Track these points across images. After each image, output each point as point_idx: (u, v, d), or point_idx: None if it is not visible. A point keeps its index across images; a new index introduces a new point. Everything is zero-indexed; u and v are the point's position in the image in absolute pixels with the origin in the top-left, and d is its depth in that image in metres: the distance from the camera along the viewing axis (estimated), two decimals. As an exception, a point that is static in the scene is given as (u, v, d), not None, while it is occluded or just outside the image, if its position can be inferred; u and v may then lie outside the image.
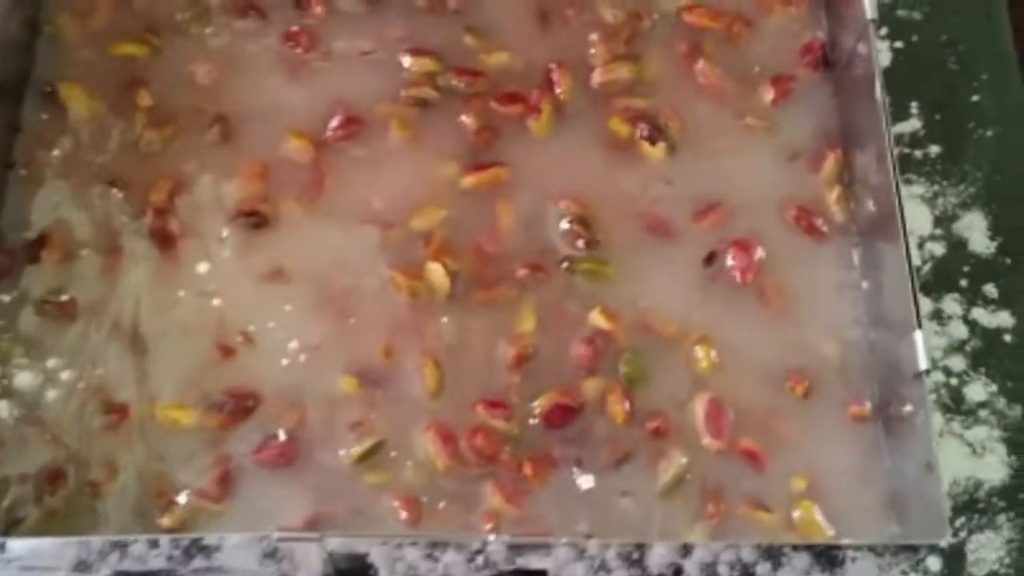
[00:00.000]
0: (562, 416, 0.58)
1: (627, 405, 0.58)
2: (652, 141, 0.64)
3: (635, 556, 0.52)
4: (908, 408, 0.55)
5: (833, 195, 0.64)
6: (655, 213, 0.63)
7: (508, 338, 0.60)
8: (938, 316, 0.63)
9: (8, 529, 0.55)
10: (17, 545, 0.50)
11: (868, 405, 0.59)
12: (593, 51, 0.67)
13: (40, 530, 0.55)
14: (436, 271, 0.60)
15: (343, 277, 0.61)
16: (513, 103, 0.65)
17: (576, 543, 0.51)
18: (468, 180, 0.63)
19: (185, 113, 0.65)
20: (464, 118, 0.65)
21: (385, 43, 0.67)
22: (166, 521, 0.55)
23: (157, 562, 0.52)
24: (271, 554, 0.51)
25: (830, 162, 0.64)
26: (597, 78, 0.66)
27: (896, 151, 0.58)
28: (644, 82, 0.66)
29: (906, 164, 0.66)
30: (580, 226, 0.62)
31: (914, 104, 0.68)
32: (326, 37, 0.67)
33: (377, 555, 0.51)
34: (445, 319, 0.60)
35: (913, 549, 0.51)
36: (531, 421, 0.58)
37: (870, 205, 0.61)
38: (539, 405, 0.58)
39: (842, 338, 0.60)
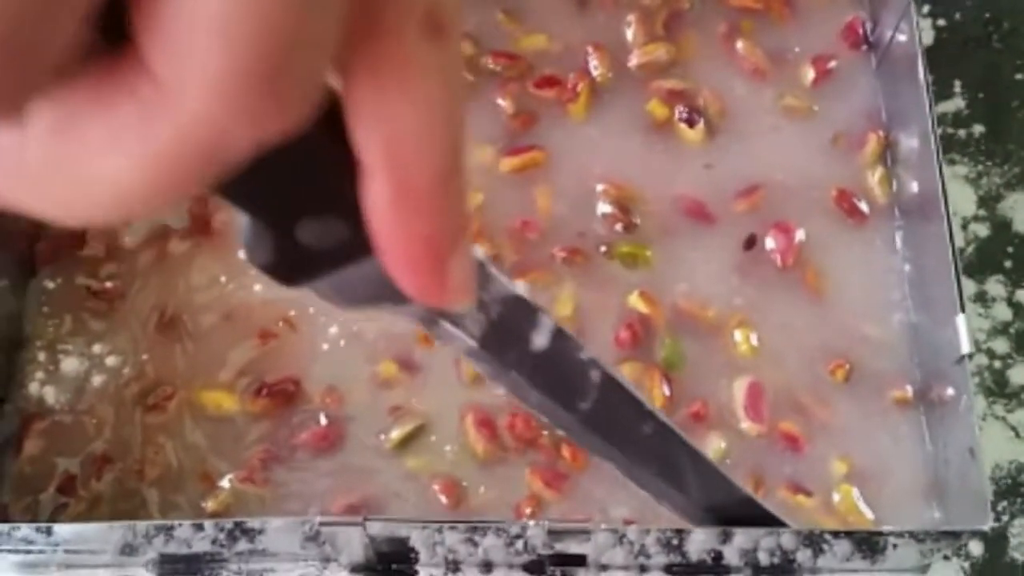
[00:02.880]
0: (601, 400, 0.58)
1: (666, 389, 0.58)
2: (691, 123, 0.64)
3: (675, 542, 0.52)
4: (950, 392, 0.54)
5: (875, 177, 0.63)
6: (694, 196, 0.63)
7: (547, 322, 0.60)
8: (982, 298, 0.62)
9: (54, 513, 0.56)
10: (64, 529, 0.51)
11: (910, 389, 0.58)
12: (631, 33, 0.67)
13: (86, 514, 0.56)
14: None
15: (382, 262, 0.61)
16: (550, 86, 0.65)
17: (615, 529, 0.51)
18: (505, 164, 0.63)
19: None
20: (501, 101, 0.65)
21: (422, 27, 0.67)
22: (210, 505, 0.56)
23: (202, 545, 0.53)
24: (313, 538, 0.52)
25: (872, 143, 0.63)
26: (635, 60, 0.66)
27: (939, 131, 0.57)
28: (682, 64, 0.66)
29: (949, 144, 0.66)
30: (618, 210, 0.62)
31: (957, 83, 0.67)
32: (363, 22, 0.67)
33: (418, 539, 0.52)
34: (483, 304, 0.60)
35: (955, 535, 0.51)
36: (570, 406, 0.58)
37: (913, 187, 0.61)
38: (578, 389, 0.58)
39: (884, 321, 0.60)
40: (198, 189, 0.20)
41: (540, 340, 0.38)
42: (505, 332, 0.37)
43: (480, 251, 0.35)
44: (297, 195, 0.25)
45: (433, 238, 0.25)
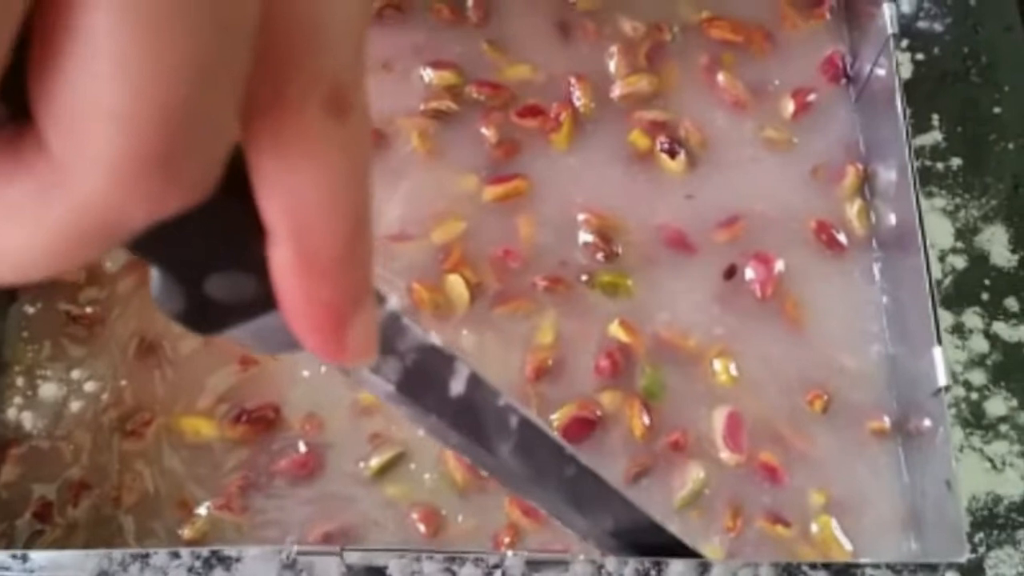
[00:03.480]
0: (580, 429, 0.58)
1: (646, 418, 0.58)
2: (672, 154, 0.64)
3: (652, 573, 0.52)
4: (927, 424, 0.55)
5: (854, 209, 0.64)
6: (675, 226, 0.63)
7: (527, 351, 0.60)
8: (959, 330, 0.63)
9: (30, 540, 0.55)
10: (39, 556, 0.51)
11: (887, 420, 0.58)
12: (613, 64, 0.67)
13: (62, 541, 0.55)
14: (456, 284, 0.61)
15: (363, 289, 0.61)
16: (533, 116, 0.66)
17: (594, 560, 0.51)
18: (488, 193, 0.64)
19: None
20: (484, 130, 0.65)
21: (405, 56, 0.67)
22: (187, 532, 0.56)
23: (178, 573, 0.52)
24: (290, 566, 0.51)
25: (850, 176, 0.64)
26: (617, 91, 0.66)
27: (917, 164, 0.58)
28: (664, 95, 0.67)
29: (927, 177, 0.66)
30: (600, 239, 0.62)
31: (935, 116, 0.68)
32: (347, 50, 0.68)
33: (395, 568, 0.52)
34: (465, 331, 0.60)
35: (932, 567, 0.51)
36: (550, 434, 0.58)
37: (891, 219, 0.61)
38: (558, 418, 0.58)
39: (862, 353, 0.60)
40: (97, 256, 0.21)
41: (457, 387, 0.39)
42: (422, 379, 0.38)
43: (394, 302, 0.36)
44: (203, 252, 0.26)
45: (334, 302, 0.26)
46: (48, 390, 0.59)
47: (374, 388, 0.37)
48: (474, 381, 0.40)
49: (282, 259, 0.25)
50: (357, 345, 0.28)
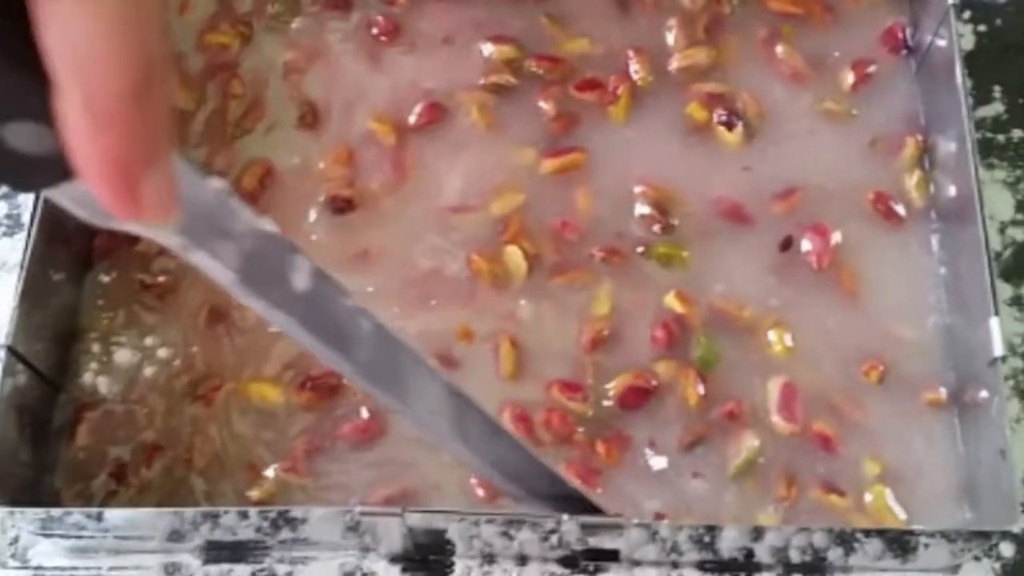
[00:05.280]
0: (636, 398, 0.59)
1: (700, 388, 0.59)
2: (730, 126, 0.65)
3: (706, 539, 0.53)
4: (983, 394, 0.55)
5: (912, 180, 0.63)
6: (732, 198, 0.64)
7: (584, 321, 0.61)
8: (1018, 302, 0.63)
9: (105, 500, 0.58)
10: (114, 515, 0.53)
11: (943, 391, 0.59)
12: (671, 37, 0.68)
13: (136, 501, 0.57)
14: (514, 255, 0.62)
15: (424, 260, 0.63)
16: (591, 89, 0.66)
17: (648, 524, 0.52)
18: (546, 165, 0.65)
19: (275, 101, 0.67)
20: (543, 104, 0.66)
21: (465, 31, 0.68)
22: (255, 494, 0.57)
23: (246, 533, 0.54)
24: (354, 528, 0.53)
25: (910, 147, 0.64)
26: (675, 63, 0.67)
27: (978, 136, 0.57)
28: (722, 67, 0.67)
29: (988, 149, 0.66)
30: (656, 211, 0.63)
31: (997, 88, 0.67)
32: (408, 26, 0.69)
33: (455, 531, 0.53)
34: (523, 302, 0.62)
35: (986, 535, 0.51)
36: (605, 403, 0.59)
37: (950, 190, 0.61)
38: (613, 387, 0.59)
39: (919, 324, 0.60)
40: None
41: (301, 281, 0.39)
42: (263, 268, 0.38)
43: (219, 182, 0.36)
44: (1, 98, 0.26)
45: (122, 154, 0.25)
46: (122, 356, 0.61)
47: (217, 276, 0.37)
48: (318, 276, 0.39)
49: (66, 108, 0.25)
50: (152, 202, 0.28)
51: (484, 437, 0.49)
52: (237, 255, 0.37)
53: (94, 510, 0.53)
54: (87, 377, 0.60)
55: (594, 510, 0.52)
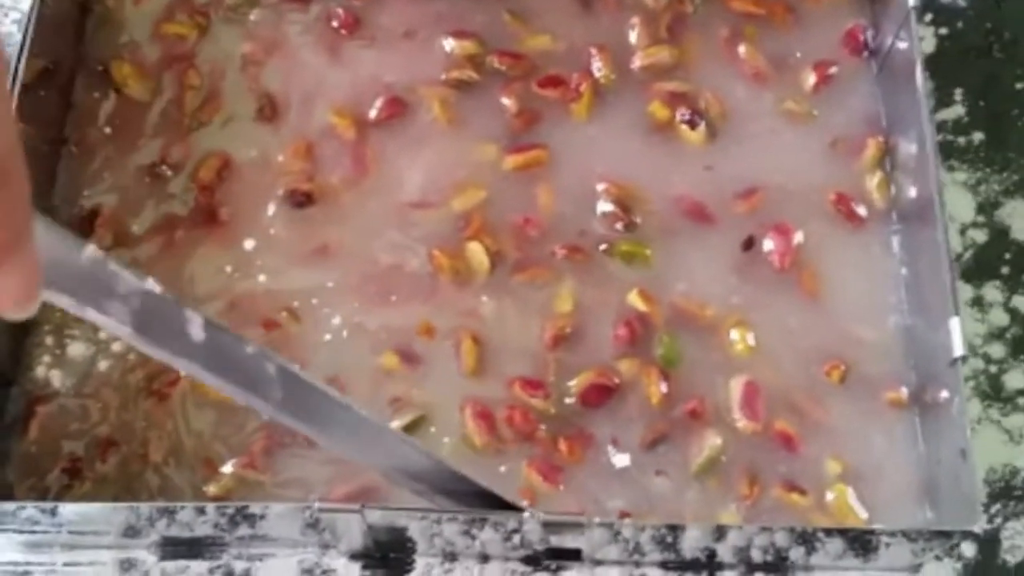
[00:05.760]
0: (598, 395, 0.58)
1: (663, 386, 0.59)
2: (692, 125, 0.65)
3: (669, 539, 0.52)
4: (944, 394, 0.55)
5: (874, 181, 0.64)
6: (694, 197, 0.63)
7: (546, 318, 0.60)
8: (979, 303, 0.63)
9: (59, 494, 0.56)
10: (68, 510, 0.52)
11: (904, 391, 0.59)
12: (634, 35, 0.67)
13: (91, 496, 0.56)
14: (476, 251, 0.61)
15: (385, 256, 0.62)
16: (554, 86, 0.66)
17: (610, 523, 0.51)
18: (508, 162, 0.64)
19: (232, 93, 0.66)
20: (505, 100, 0.66)
21: (427, 25, 0.68)
22: (212, 489, 0.56)
23: (204, 529, 0.53)
24: (313, 524, 0.52)
25: (871, 148, 0.64)
26: (638, 62, 0.67)
27: (939, 138, 0.58)
28: (685, 66, 0.67)
29: (949, 151, 0.66)
30: (619, 209, 0.63)
31: (958, 91, 0.68)
32: (369, 19, 0.68)
33: (416, 529, 0.53)
34: (484, 298, 0.61)
35: (947, 535, 0.52)
36: (567, 400, 0.58)
37: (911, 191, 0.61)
38: (576, 384, 0.59)
39: (880, 324, 0.60)
40: None
41: (196, 332, 0.41)
42: (157, 322, 0.40)
43: (93, 249, 0.38)
44: None
45: None
46: (76, 349, 0.59)
47: (113, 330, 0.39)
48: (212, 327, 0.41)
49: None
50: (10, 294, 0.28)
51: (395, 450, 0.50)
52: (127, 312, 0.39)
53: (48, 504, 0.52)
54: (40, 370, 0.59)
55: (508, 507, 0.51)
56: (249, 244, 0.62)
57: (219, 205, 0.63)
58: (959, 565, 0.57)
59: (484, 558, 0.56)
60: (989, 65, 0.69)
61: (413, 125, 0.65)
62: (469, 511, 0.51)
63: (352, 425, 0.48)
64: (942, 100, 0.67)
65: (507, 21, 0.68)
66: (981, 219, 0.65)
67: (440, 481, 0.51)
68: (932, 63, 0.68)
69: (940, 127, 0.66)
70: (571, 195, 0.64)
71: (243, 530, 0.53)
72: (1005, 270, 0.64)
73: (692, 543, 0.53)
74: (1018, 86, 0.68)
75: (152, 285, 0.40)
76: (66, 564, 0.56)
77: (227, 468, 0.57)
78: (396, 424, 0.58)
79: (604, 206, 0.63)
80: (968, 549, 0.57)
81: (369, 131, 0.65)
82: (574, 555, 0.55)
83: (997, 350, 0.62)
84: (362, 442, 0.49)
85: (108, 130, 0.65)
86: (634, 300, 0.61)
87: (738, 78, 0.67)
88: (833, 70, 0.67)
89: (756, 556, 0.54)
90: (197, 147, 0.65)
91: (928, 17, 0.69)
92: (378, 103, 0.66)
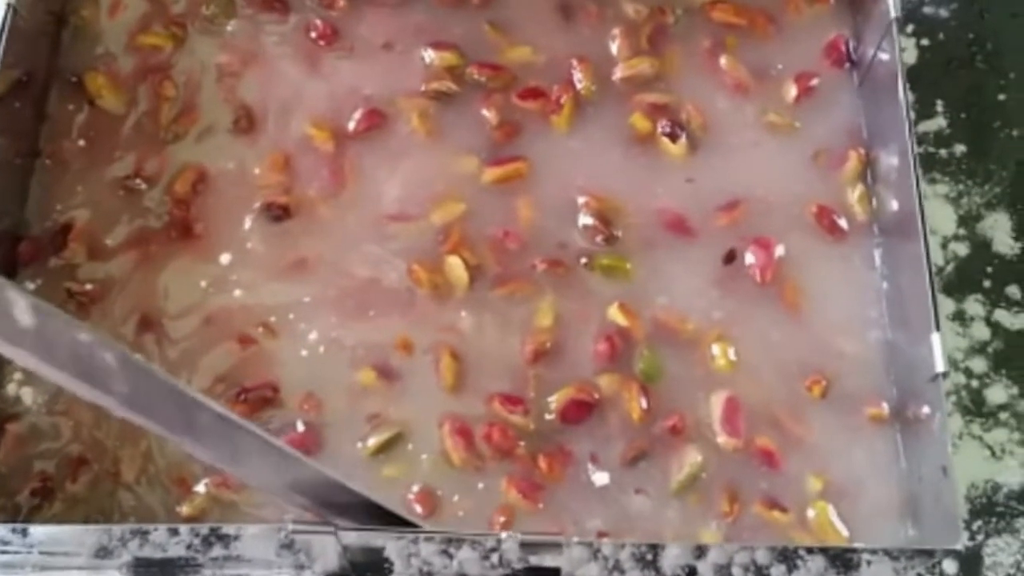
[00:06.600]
0: (578, 412, 0.58)
1: (643, 402, 0.58)
2: (673, 137, 0.64)
3: (649, 557, 0.52)
4: (925, 410, 0.55)
5: (855, 194, 0.63)
6: (675, 210, 0.63)
7: (526, 333, 0.60)
8: (960, 317, 0.63)
9: (30, 515, 0.55)
10: (39, 531, 0.51)
11: (886, 407, 0.58)
12: (615, 46, 0.67)
13: (62, 517, 0.55)
14: (455, 265, 0.61)
15: (363, 270, 0.61)
16: (534, 98, 0.65)
17: (589, 542, 0.51)
18: (488, 174, 0.64)
19: (209, 104, 0.66)
20: (485, 112, 0.65)
21: (406, 36, 0.67)
22: (185, 510, 0.56)
23: (177, 550, 0.52)
24: (288, 545, 0.52)
25: (852, 161, 0.64)
26: (619, 73, 0.66)
27: (921, 150, 0.58)
28: (666, 78, 0.66)
29: (931, 163, 0.66)
30: (600, 222, 0.62)
31: (940, 102, 0.68)
32: (347, 30, 0.68)
33: (392, 549, 0.52)
34: (463, 313, 0.60)
35: (928, 553, 0.51)
36: (547, 416, 0.58)
37: (892, 204, 0.61)
38: (555, 400, 0.58)
39: (861, 338, 0.60)
40: None
41: (23, 316, 0.39)
42: None
43: None
44: None
45: None
46: (47, 367, 0.59)
47: None
48: (43, 311, 0.39)
49: None
50: None
51: (268, 459, 0.47)
52: None
53: (19, 525, 0.51)
54: (10, 388, 0.58)
55: (402, 522, 0.50)
56: (225, 258, 0.61)
57: (194, 219, 0.62)
58: (941, 582, 0.57)
59: (462, 578, 0.55)
60: (971, 76, 0.69)
61: (392, 137, 0.65)
62: (452, 532, 0.50)
63: (217, 428, 0.44)
64: (924, 112, 0.67)
65: (487, 32, 0.67)
66: (963, 232, 0.65)
67: (325, 494, 0.48)
68: (914, 74, 0.67)
69: (921, 139, 0.66)
70: (551, 208, 0.63)
71: (217, 551, 0.52)
72: (987, 283, 0.64)
73: (672, 561, 0.52)
74: (1000, 97, 0.68)
75: None
76: (37, 585, 0.55)
77: (200, 488, 0.56)
78: (373, 442, 0.57)
79: (585, 219, 0.63)
80: (950, 566, 0.57)
81: (347, 143, 0.65)
82: (553, 574, 0.54)
83: (979, 364, 0.62)
84: (231, 448, 0.45)
85: (82, 143, 0.64)
86: (614, 314, 0.60)
87: (719, 89, 0.66)
88: (815, 82, 0.66)
89: (737, 574, 0.54)
90: (172, 160, 0.64)
91: (910, 28, 0.69)
92: (356, 115, 0.65)
